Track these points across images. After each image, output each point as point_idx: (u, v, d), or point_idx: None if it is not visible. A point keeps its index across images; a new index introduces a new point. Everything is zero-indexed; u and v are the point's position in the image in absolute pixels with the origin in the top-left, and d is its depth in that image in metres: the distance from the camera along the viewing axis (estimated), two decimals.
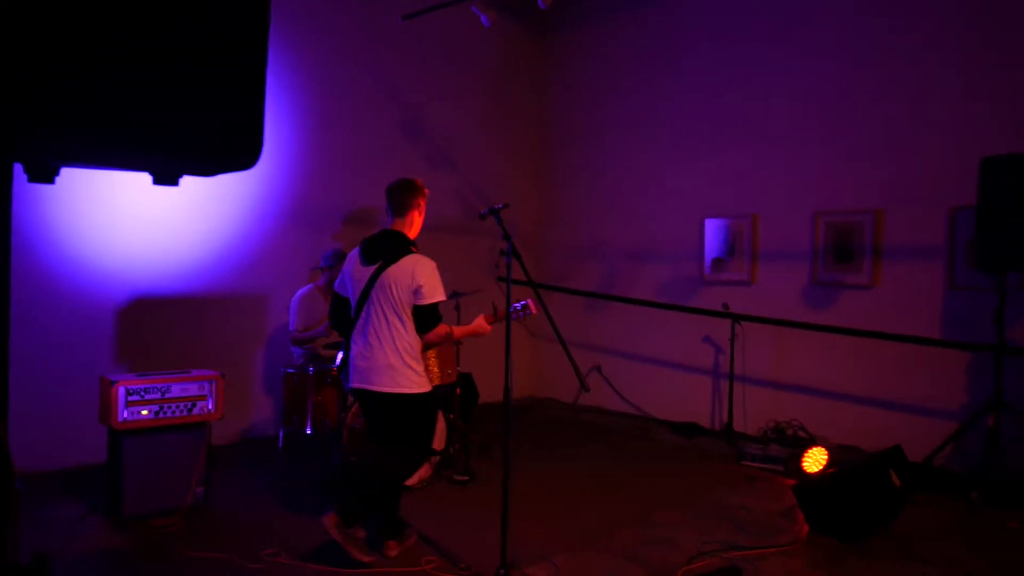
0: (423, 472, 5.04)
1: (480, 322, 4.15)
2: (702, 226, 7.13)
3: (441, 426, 5.20)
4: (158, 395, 4.31)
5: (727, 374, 6.66)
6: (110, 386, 4.18)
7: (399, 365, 3.78)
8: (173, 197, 5.71)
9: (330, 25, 6.61)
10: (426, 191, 4.03)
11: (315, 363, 5.21)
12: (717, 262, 7.02)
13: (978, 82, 5.51)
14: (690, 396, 7.19)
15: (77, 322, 5.29)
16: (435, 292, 3.81)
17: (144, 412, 4.26)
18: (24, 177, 0.99)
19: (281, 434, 5.29)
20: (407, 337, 3.81)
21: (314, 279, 5.94)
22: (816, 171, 6.37)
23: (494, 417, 6.87)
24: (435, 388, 5.11)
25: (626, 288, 7.71)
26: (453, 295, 5.54)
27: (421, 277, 3.76)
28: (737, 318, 6.54)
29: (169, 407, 4.35)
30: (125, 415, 4.19)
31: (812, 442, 5.57)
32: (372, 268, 3.84)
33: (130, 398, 4.21)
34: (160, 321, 5.67)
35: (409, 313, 3.80)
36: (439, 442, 5.17)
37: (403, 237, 3.92)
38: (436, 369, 5.14)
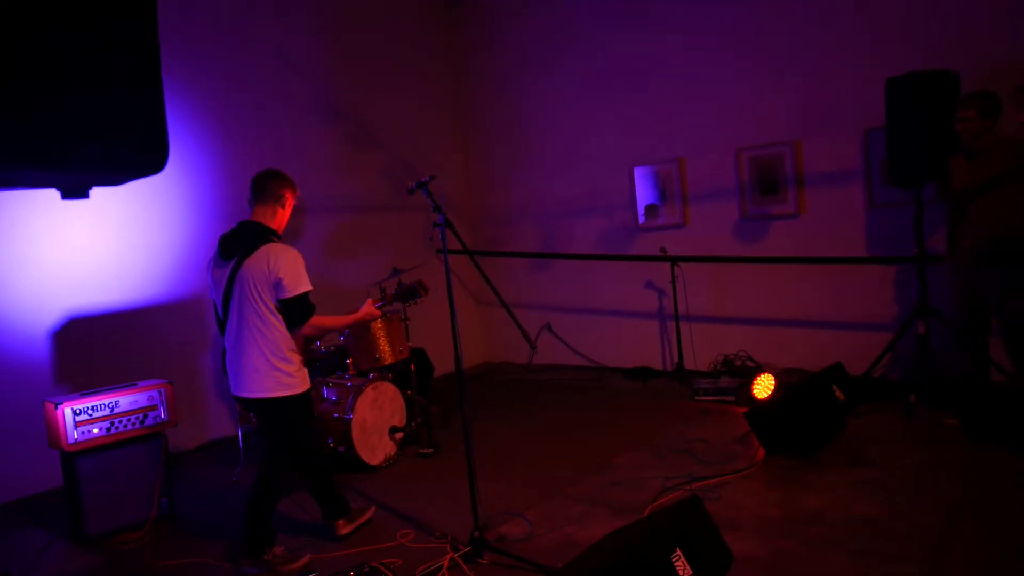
0: (389, 450, 5.09)
1: (367, 307, 3.92)
2: (632, 174, 7.24)
3: (401, 403, 5.24)
4: (107, 411, 4.23)
5: (672, 315, 6.84)
6: (55, 408, 4.09)
7: (264, 367, 3.49)
8: (88, 208, 5.53)
9: (223, 11, 6.38)
10: (296, 190, 3.72)
11: None
12: (651, 208, 7.15)
13: (883, 5, 5.68)
14: (640, 341, 7.37)
15: (12, 348, 5.12)
16: (299, 282, 3.46)
17: (95, 430, 4.18)
18: None
19: (240, 432, 5.26)
20: (272, 335, 3.49)
21: None
22: (735, 109, 6.51)
23: (451, 388, 6.90)
24: (389, 365, 5.16)
25: (565, 244, 7.81)
26: (394, 272, 5.54)
27: (280, 269, 3.41)
28: (675, 260, 6.69)
29: (120, 421, 4.27)
30: (75, 436, 4.10)
31: (759, 370, 5.79)
32: (230, 265, 3.53)
33: (78, 418, 4.12)
34: (98, 338, 5.52)
35: (272, 308, 3.47)
36: (400, 419, 5.22)
37: (261, 227, 3.57)
38: (387, 347, 5.17)
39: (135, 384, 4.47)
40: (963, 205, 4.51)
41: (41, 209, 5.27)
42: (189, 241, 6.08)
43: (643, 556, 2.51)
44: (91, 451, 4.18)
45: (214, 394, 6.18)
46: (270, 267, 3.43)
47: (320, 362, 5.48)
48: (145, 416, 4.37)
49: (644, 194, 7.18)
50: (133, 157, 1.06)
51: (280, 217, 3.67)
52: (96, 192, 4.76)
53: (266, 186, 3.64)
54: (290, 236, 5.52)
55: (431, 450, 5.23)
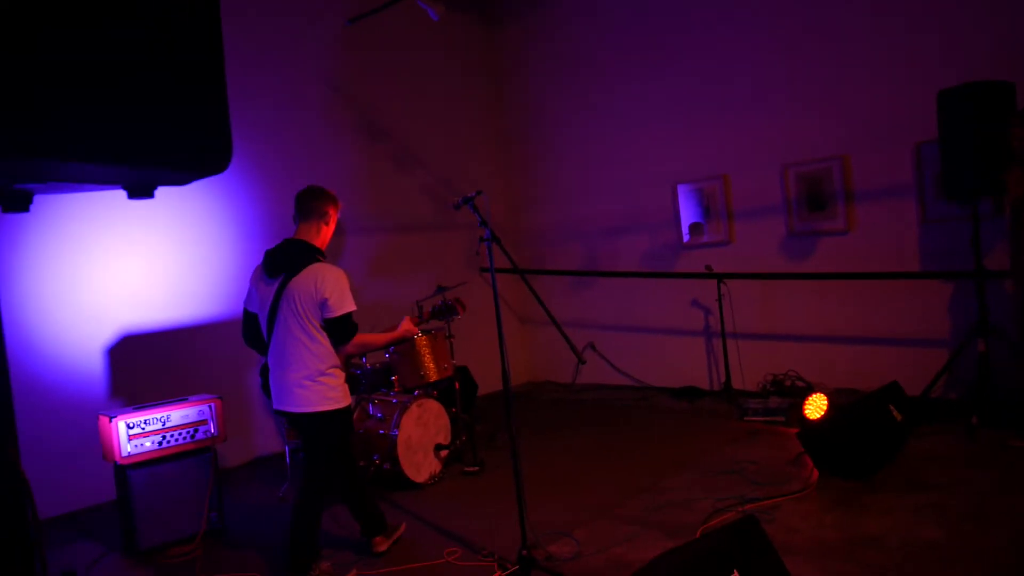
0: (434, 467, 5.07)
1: (406, 324, 4.00)
2: (675, 192, 7.17)
3: (445, 421, 5.23)
4: (159, 425, 4.30)
5: (719, 334, 6.72)
6: (109, 422, 4.17)
7: (308, 383, 3.56)
8: (142, 228, 5.68)
9: (273, 33, 6.53)
10: (339, 204, 3.82)
11: None
12: (695, 227, 7.07)
13: (926, 18, 5.57)
14: (686, 360, 7.26)
15: (70, 363, 5.25)
16: (343, 302, 3.54)
17: (147, 444, 4.25)
18: None
19: (287, 449, 5.29)
20: (317, 352, 3.57)
21: None
22: (780, 124, 6.43)
23: (495, 407, 6.91)
24: (434, 383, 5.16)
25: (608, 263, 7.76)
26: (439, 289, 5.55)
27: (326, 289, 3.51)
28: (721, 276, 6.60)
29: (171, 436, 4.34)
30: (128, 449, 4.18)
31: (810, 390, 5.65)
32: (276, 282, 3.61)
33: (131, 432, 4.20)
34: (150, 354, 5.64)
35: (318, 326, 3.56)
36: (445, 436, 5.20)
37: (307, 245, 3.65)
38: (432, 365, 5.17)
39: (186, 399, 4.54)
40: None
41: (100, 228, 5.42)
42: (233, 261, 6.19)
43: None
44: (143, 464, 4.25)
45: (260, 411, 6.25)
46: (317, 287, 3.50)
47: (365, 379, 5.50)
48: (195, 431, 4.43)
49: (688, 211, 7.11)
50: (198, 154, 1.07)
51: (324, 234, 3.75)
52: (148, 212, 4.89)
53: (310, 204, 3.71)
54: (332, 255, 5.58)
55: (476, 468, 5.20)
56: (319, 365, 3.56)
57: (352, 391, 4.10)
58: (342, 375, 3.67)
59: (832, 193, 6.17)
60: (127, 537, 4.28)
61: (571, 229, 8.11)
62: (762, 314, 6.70)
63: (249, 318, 3.81)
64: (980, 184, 4.72)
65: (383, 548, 3.89)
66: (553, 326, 4.13)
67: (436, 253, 7.60)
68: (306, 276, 3.53)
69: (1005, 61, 5.11)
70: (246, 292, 3.88)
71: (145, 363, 5.60)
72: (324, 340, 3.57)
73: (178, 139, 1.02)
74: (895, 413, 4.62)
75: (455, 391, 5.46)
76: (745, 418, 5.87)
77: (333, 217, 3.77)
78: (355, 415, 4.96)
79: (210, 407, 4.50)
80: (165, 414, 4.34)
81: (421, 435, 5.00)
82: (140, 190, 1.09)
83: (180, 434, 4.38)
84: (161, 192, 4.67)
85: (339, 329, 3.56)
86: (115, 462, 4.20)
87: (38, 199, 1.22)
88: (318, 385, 3.56)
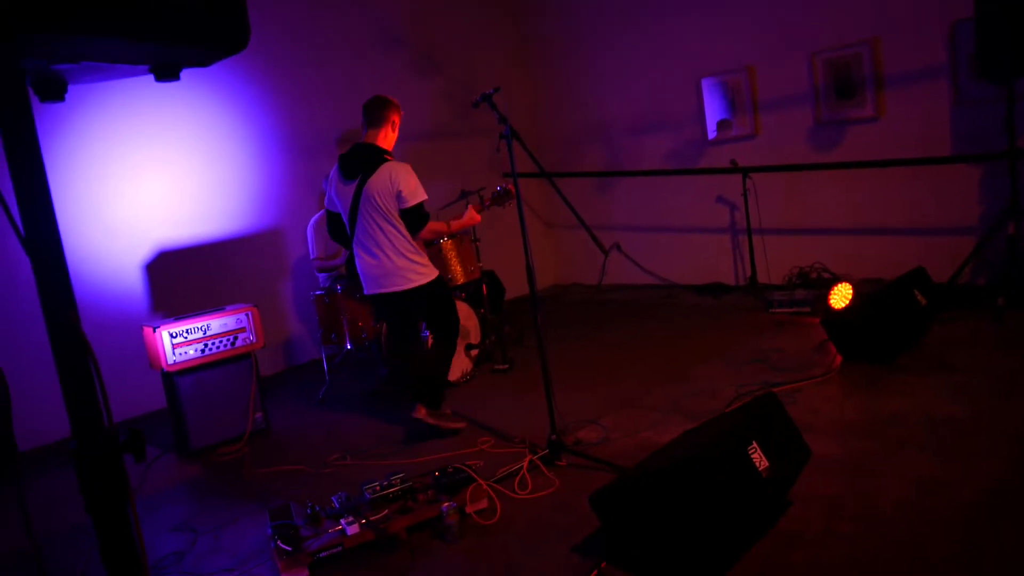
0: (465, 366, 5.24)
1: (470, 212, 4.47)
2: (699, 86, 7.02)
3: (475, 322, 5.36)
4: (200, 334, 4.48)
5: (744, 230, 6.71)
6: (153, 332, 4.35)
7: (404, 264, 4.07)
8: (166, 146, 5.74)
9: None
10: (401, 110, 4.21)
11: (342, 281, 5.35)
12: (723, 123, 6.94)
13: None
14: (711, 257, 7.27)
15: (111, 278, 5.43)
16: (416, 193, 4.00)
17: (190, 352, 4.44)
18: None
19: (323, 354, 5.49)
20: (403, 238, 4.06)
21: (323, 205, 6.00)
22: (807, 10, 6.20)
23: (522, 310, 7.04)
24: (462, 285, 5.29)
25: (633, 162, 7.69)
26: (462, 195, 5.58)
27: (400, 182, 3.96)
28: (746, 171, 6.53)
29: (213, 343, 4.52)
30: (174, 357, 4.38)
31: (836, 280, 5.65)
32: (354, 183, 4.05)
33: (174, 340, 4.38)
34: (185, 269, 5.81)
35: (397, 216, 4.03)
36: (475, 336, 5.34)
37: (377, 148, 4.09)
38: (459, 268, 5.26)
39: (223, 308, 4.70)
40: None
41: (128, 148, 5.50)
42: (263, 174, 6.26)
43: (719, 449, 2.55)
44: (188, 371, 4.46)
45: (294, 320, 6.45)
46: (391, 182, 3.97)
47: None
48: (235, 338, 4.61)
49: (713, 106, 6.97)
50: (218, 33, 1.11)
51: (391, 138, 4.19)
52: (180, 127, 4.95)
53: (378, 112, 4.12)
54: None
55: (506, 366, 5.36)
56: (405, 248, 4.06)
57: None
58: (425, 253, 4.20)
59: (861, 79, 6.00)
60: (179, 438, 4.54)
61: (594, 131, 8.01)
62: (788, 207, 6.64)
63: (332, 217, 4.28)
64: (1017, 62, 4.56)
65: (421, 414, 4.13)
66: (577, 230, 4.18)
67: (458, 159, 7.58)
68: (381, 174, 3.98)
69: None
70: (325, 197, 4.34)
71: (181, 278, 5.78)
72: (404, 228, 4.06)
73: (199, 17, 1.06)
74: (919, 298, 4.63)
75: (483, 293, 5.57)
76: (770, 310, 5.92)
77: (397, 123, 4.19)
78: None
79: (247, 315, 4.67)
80: (205, 323, 4.51)
81: None
82: (166, 71, 1.13)
83: (221, 342, 4.56)
84: (184, 110, 4.73)
85: (414, 217, 4.03)
86: (162, 369, 4.41)
87: (71, 98, 1.28)
88: (412, 264, 4.07)
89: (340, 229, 4.29)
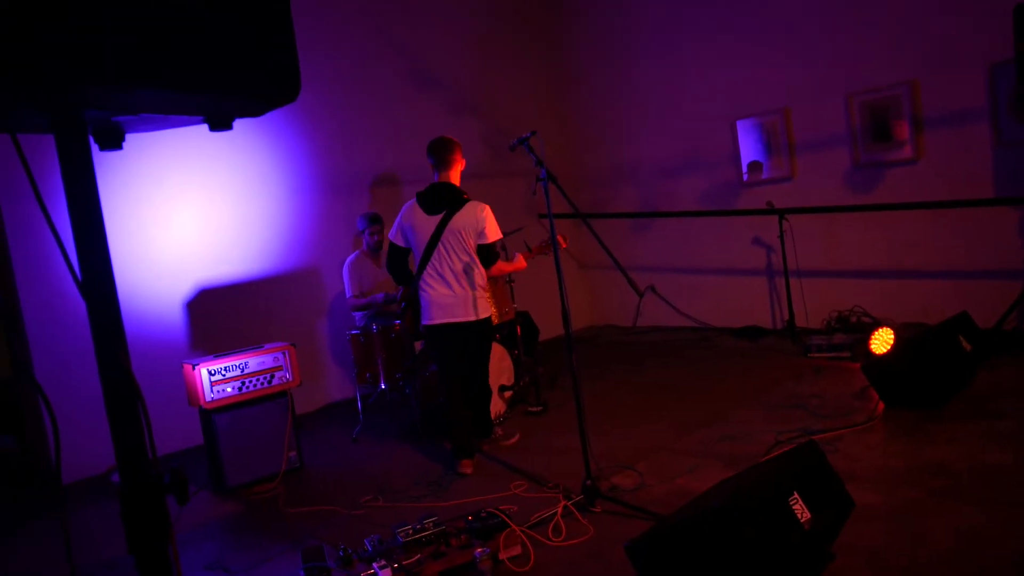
0: (499, 408, 5.22)
1: (519, 258, 4.76)
2: (734, 128, 7.03)
3: (508, 363, 5.35)
4: (238, 372, 4.54)
5: (782, 272, 6.64)
6: (193, 369, 4.42)
7: (474, 296, 4.35)
8: (215, 187, 5.90)
9: None
10: (460, 144, 4.49)
11: (378, 321, 5.39)
12: (753, 165, 6.93)
13: None
14: (748, 299, 7.20)
15: (153, 316, 5.55)
16: (494, 232, 4.35)
17: (228, 389, 4.49)
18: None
19: (358, 393, 5.52)
20: (477, 272, 4.35)
21: (358, 245, 6.10)
22: (842, 53, 6.21)
23: (556, 350, 7.01)
24: (496, 327, 5.33)
25: (668, 203, 7.70)
26: None
27: (484, 221, 4.30)
28: (782, 212, 6.48)
29: (250, 381, 4.57)
30: (211, 395, 4.43)
31: (877, 325, 5.55)
32: (437, 217, 4.30)
33: (213, 378, 4.44)
34: (224, 306, 5.91)
35: (475, 252, 4.32)
36: (508, 378, 5.33)
37: (456, 188, 4.39)
38: (493, 308, 5.27)
39: (261, 346, 4.77)
40: None
41: (178, 185, 5.67)
42: (302, 215, 6.39)
43: (759, 499, 2.49)
44: (226, 408, 4.50)
45: (329, 359, 6.50)
46: (477, 219, 4.29)
47: None
48: (272, 376, 4.66)
49: (748, 147, 6.97)
50: (269, 84, 1.15)
51: (460, 174, 4.49)
52: (221, 168, 5.10)
53: (448, 154, 4.41)
54: (393, 204, 5.68)
55: (540, 408, 5.33)
56: (480, 281, 4.36)
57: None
58: (488, 290, 4.52)
59: (899, 121, 5.96)
60: (215, 475, 4.57)
61: (628, 172, 8.05)
62: (826, 250, 6.57)
63: (398, 250, 4.48)
64: None
65: (467, 471, 4.30)
66: (612, 271, 4.20)
67: (494, 200, 7.56)
68: (467, 210, 4.30)
69: None
70: (395, 228, 4.48)
71: (221, 315, 5.87)
72: (479, 262, 4.34)
73: (254, 70, 1.11)
74: (964, 343, 4.52)
75: (517, 334, 5.57)
76: (809, 355, 5.82)
77: (463, 160, 4.50)
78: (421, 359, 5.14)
79: (284, 354, 4.72)
80: (243, 361, 4.57)
81: None
82: (220, 121, 1.17)
83: (258, 380, 4.61)
84: (225, 151, 4.87)
85: (489, 254, 4.35)
86: (200, 406, 4.47)
87: (127, 148, 1.33)
88: (482, 296, 4.38)
89: (401, 263, 4.50)
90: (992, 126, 5.51)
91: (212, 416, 4.48)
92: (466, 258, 4.30)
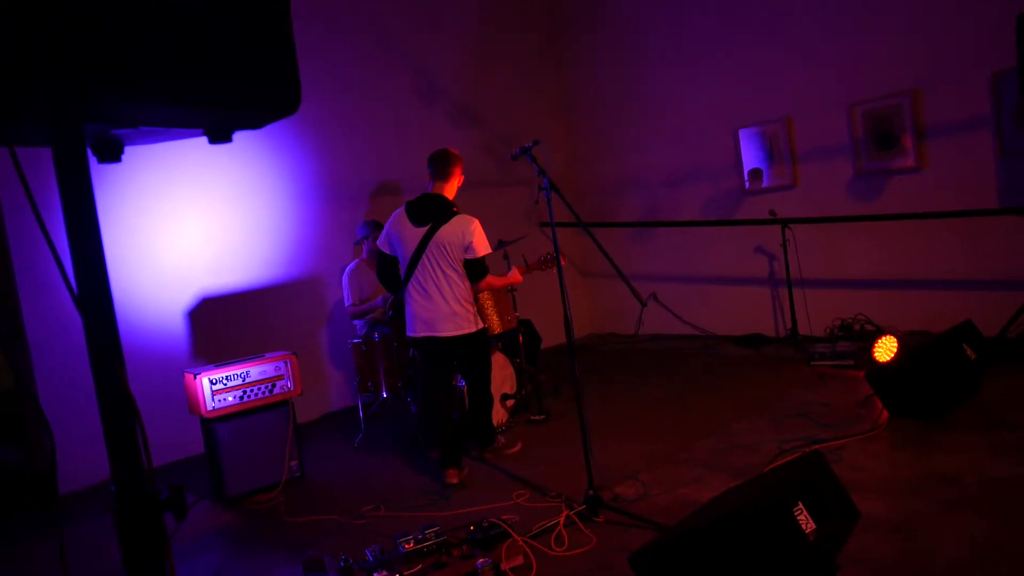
0: (500, 417, 5.20)
1: (514, 272, 4.72)
2: (736, 137, 7.03)
3: (511, 372, 5.33)
4: (239, 381, 4.52)
5: (784, 280, 6.62)
6: (194, 378, 4.41)
7: (460, 311, 4.26)
8: (209, 198, 5.89)
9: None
10: (462, 163, 4.46)
11: (379, 329, 5.38)
12: (754, 172, 6.92)
13: None
14: (750, 308, 7.18)
15: (155, 325, 5.54)
16: (483, 247, 4.26)
17: (229, 398, 4.48)
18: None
19: (360, 402, 5.50)
20: (462, 286, 4.28)
21: (358, 254, 6.09)
22: (844, 61, 6.20)
23: (558, 359, 6.99)
24: (498, 335, 5.32)
25: (669, 213, 7.69)
26: (499, 244, 5.61)
27: (471, 235, 4.22)
28: (785, 222, 6.47)
29: (251, 390, 4.56)
30: (213, 403, 4.42)
31: (880, 333, 5.53)
32: (423, 229, 4.24)
33: (214, 387, 4.43)
34: (226, 316, 5.90)
35: (461, 266, 4.26)
36: (510, 386, 5.31)
37: (446, 200, 4.33)
38: (495, 318, 5.26)
39: (263, 355, 4.75)
40: None
41: (178, 194, 5.66)
42: (302, 223, 6.38)
43: (763, 510, 2.47)
44: (227, 418, 4.49)
45: (331, 367, 6.49)
46: (464, 233, 4.21)
47: None
48: (273, 385, 4.64)
49: (750, 156, 6.96)
50: (269, 96, 1.14)
51: (455, 188, 4.43)
52: (221, 177, 5.11)
53: (446, 166, 4.37)
54: (384, 215, 5.70)
55: (542, 416, 5.31)
56: (465, 296, 4.28)
57: None
58: (475, 304, 4.43)
59: (902, 130, 5.95)
60: (216, 484, 4.55)
61: (631, 181, 8.04)
62: (829, 259, 6.55)
63: (386, 259, 4.44)
64: None
65: (452, 481, 4.26)
66: (614, 279, 4.18)
67: (496, 209, 7.63)
68: (454, 224, 4.22)
69: None
70: (383, 236, 4.45)
71: (222, 324, 5.86)
72: (464, 277, 4.28)
73: (254, 84, 1.10)
74: (969, 352, 4.49)
75: (519, 343, 5.55)
76: (812, 363, 5.80)
77: (461, 176, 4.45)
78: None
79: (286, 363, 4.70)
80: (245, 370, 4.55)
81: None
82: (219, 134, 1.17)
83: (259, 389, 4.59)
84: (225, 161, 4.89)
85: (477, 269, 4.28)
86: (201, 415, 4.45)
87: (131, 158, 1.32)
88: (468, 313, 4.29)
89: (391, 271, 4.46)
90: (995, 135, 5.49)
91: (213, 425, 4.46)
92: (451, 272, 4.24)
